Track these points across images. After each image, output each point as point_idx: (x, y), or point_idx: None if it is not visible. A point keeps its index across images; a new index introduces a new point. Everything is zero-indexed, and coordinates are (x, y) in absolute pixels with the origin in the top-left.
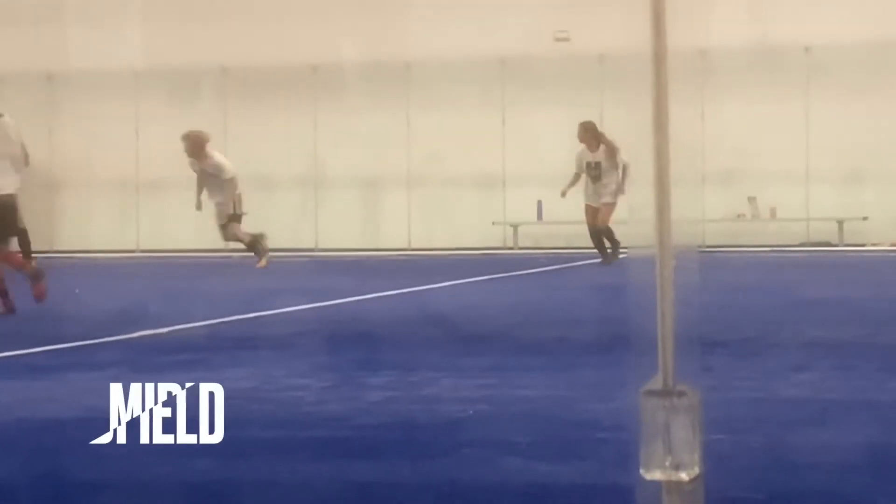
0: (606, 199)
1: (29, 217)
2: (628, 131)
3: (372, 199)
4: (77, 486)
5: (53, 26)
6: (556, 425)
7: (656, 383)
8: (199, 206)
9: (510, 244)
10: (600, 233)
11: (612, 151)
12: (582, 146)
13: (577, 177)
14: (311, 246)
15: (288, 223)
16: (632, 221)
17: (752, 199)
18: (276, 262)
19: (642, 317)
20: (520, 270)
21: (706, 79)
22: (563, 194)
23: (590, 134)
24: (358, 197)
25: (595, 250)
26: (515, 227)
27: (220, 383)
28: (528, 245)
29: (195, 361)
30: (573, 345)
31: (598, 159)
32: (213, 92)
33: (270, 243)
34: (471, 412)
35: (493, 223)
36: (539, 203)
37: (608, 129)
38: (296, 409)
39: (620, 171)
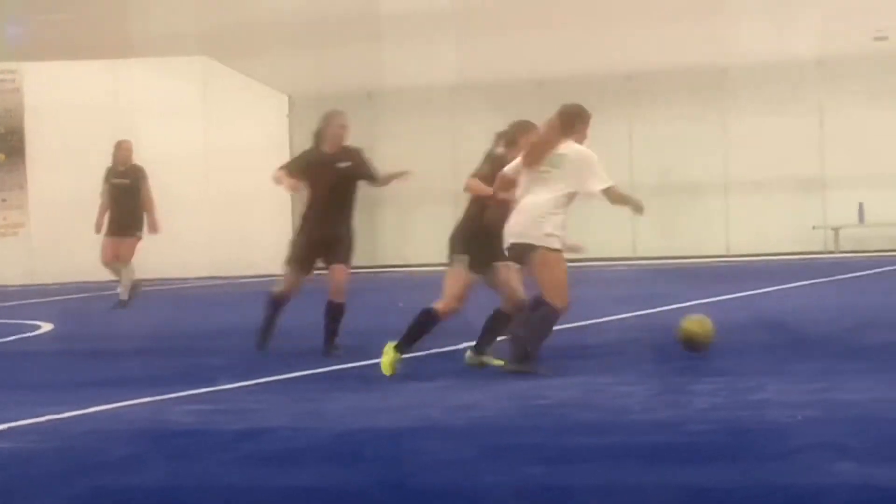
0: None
1: None
2: None
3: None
4: (411, 492)
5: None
6: (890, 429)
7: None
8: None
9: (831, 248)
10: None
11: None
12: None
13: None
14: (629, 255)
15: (599, 232)
16: None
17: None
18: (594, 272)
19: None
20: (842, 274)
21: None
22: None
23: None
24: (672, 203)
25: None
26: (836, 230)
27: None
28: (849, 248)
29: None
30: None
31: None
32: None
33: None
34: (799, 417)
35: (814, 227)
36: (860, 205)
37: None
38: (623, 416)
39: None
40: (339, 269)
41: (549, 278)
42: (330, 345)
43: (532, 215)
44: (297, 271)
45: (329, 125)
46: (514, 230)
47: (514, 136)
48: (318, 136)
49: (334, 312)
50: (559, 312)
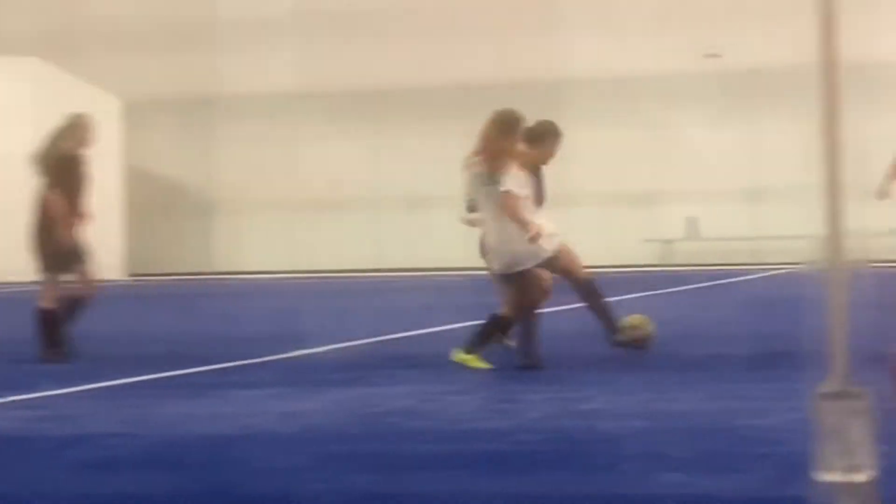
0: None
1: None
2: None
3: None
4: (238, 499)
5: None
6: (715, 440)
7: (831, 386)
8: None
9: (663, 261)
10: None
11: None
12: None
13: None
14: (468, 265)
15: (439, 242)
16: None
17: None
18: (433, 281)
19: (802, 332)
20: (673, 287)
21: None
22: None
23: None
24: None
25: None
26: (669, 243)
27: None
28: (682, 262)
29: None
30: (730, 360)
31: None
32: None
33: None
34: (629, 428)
35: (647, 240)
36: (693, 220)
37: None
38: (455, 425)
39: None
40: (88, 269)
41: (567, 263)
42: (62, 346)
43: (520, 240)
44: (57, 278)
45: (77, 127)
46: (509, 259)
47: (541, 135)
48: (65, 137)
49: (79, 308)
50: (590, 279)
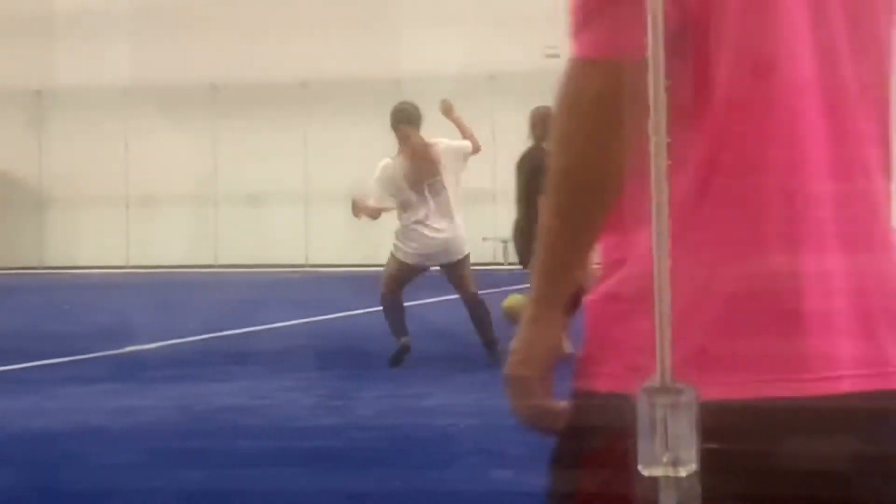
0: None
1: None
2: None
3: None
4: (67, 496)
5: None
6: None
7: (654, 380)
8: None
9: (500, 259)
10: None
11: None
12: None
13: None
14: (302, 262)
15: (272, 237)
16: None
17: None
18: (271, 277)
19: None
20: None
21: None
22: None
23: None
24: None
25: None
26: (506, 242)
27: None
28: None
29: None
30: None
31: None
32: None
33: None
34: (461, 426)
35: (484, 239)
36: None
37: None
38: (287, 422)
39: None
40: None
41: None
42: None
43: (457, 227)
44: None
45: None
46: (454, 247)
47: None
48: None
49: None
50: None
